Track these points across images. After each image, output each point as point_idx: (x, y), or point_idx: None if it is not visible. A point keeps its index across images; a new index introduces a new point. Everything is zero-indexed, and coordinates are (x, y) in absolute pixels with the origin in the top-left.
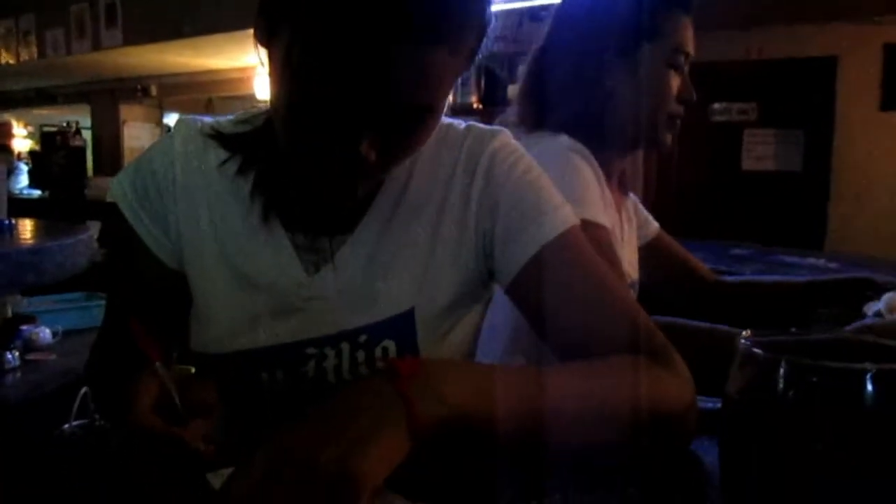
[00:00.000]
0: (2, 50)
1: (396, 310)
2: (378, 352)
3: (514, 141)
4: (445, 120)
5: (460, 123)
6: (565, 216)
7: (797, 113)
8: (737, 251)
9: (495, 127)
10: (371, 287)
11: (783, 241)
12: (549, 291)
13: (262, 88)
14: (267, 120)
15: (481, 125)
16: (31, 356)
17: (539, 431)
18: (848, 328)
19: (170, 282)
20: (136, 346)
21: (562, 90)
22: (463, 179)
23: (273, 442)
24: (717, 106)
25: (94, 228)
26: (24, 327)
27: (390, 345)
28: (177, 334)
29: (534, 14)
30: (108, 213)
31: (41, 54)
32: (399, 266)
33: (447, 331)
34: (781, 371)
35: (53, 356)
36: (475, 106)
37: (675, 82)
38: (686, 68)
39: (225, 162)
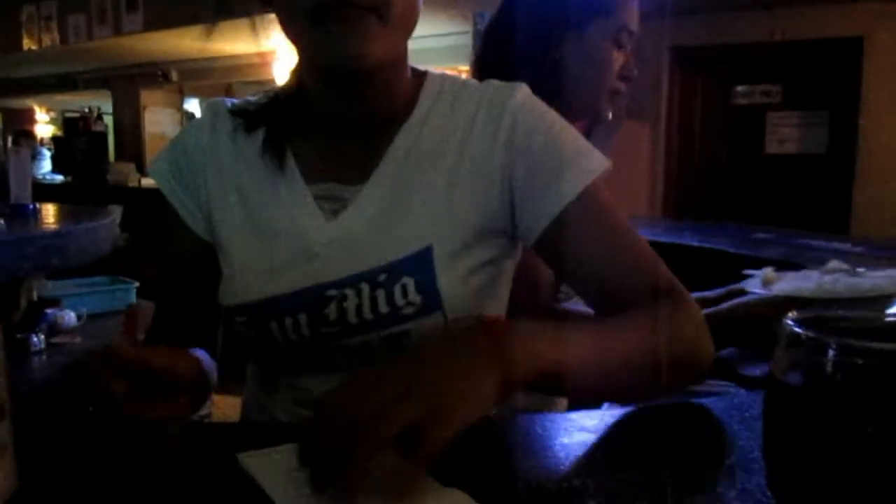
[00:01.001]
0: (24, 36)
1: (414, 248)
2: (397, 290)
3: (534, 95)
4: (461, 77)
5: (477, 82)
6: (594, 162)
7: (822, 94)
8: (760, 235)
9: (514, 84)
10: (388, 228)
11: (807, 225)
12: (578, 242)
13: (281, 73)
14: (280, 90)
15: (499, 81)
16: (55, 339)
17: (598, 380)
18: (722, 306)
19: (200, 253)
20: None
21: (514, 62)
22: (486, 124)
23: (370, 371)
24: (739, 88)
25: (115, 213)
26: (48, 310)
27: (409, 282)
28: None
29: None
30: (137, 198)
31: (63, 40)
32: (415, 207)
33: (468, 273)
34: (829, 353)
35: (78, 339)
36: None
37: (618, 59)
38: (629, 47)
39: (250, 130)
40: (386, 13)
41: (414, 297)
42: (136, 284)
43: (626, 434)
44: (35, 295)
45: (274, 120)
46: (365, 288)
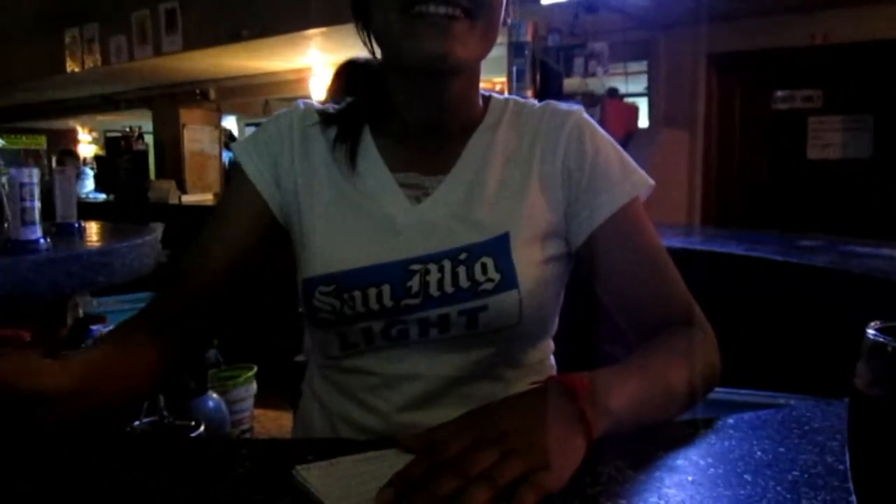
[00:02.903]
0: (67, 58)
1: (492, 234)
2: (478, 267)
3: (588, 116)
4: (522, 99)
5: (537, 102)
6: (639, 180)
7: (865, 98)
8: (805, 242)
9: (571, 104)
10: (468, 215)
11: (853, 231)
12: (614, 255)
13: (317, 89)
14: (362, 95)
15: (557, 102)
16: None
17: (651, 416)
18: None
19: (264, 226)
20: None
21: None
22: (547, 141)
23: (477, 417)
24: (780, 93)
25: (157, 230)
26: (94, 327)
27: (488, 261)
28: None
29: (589, 6)
30: (178, 215)
31: (105, 61)
32: (493, 199)
33: (538, 262)
34: None
35: None
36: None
37: None
38: None
39: (333, 123)
40: (476, 18)
41: (493, 273)
42: None
43: (687, 449)
44: (81, 312)
45: (355, 115)
46: (447, 264)
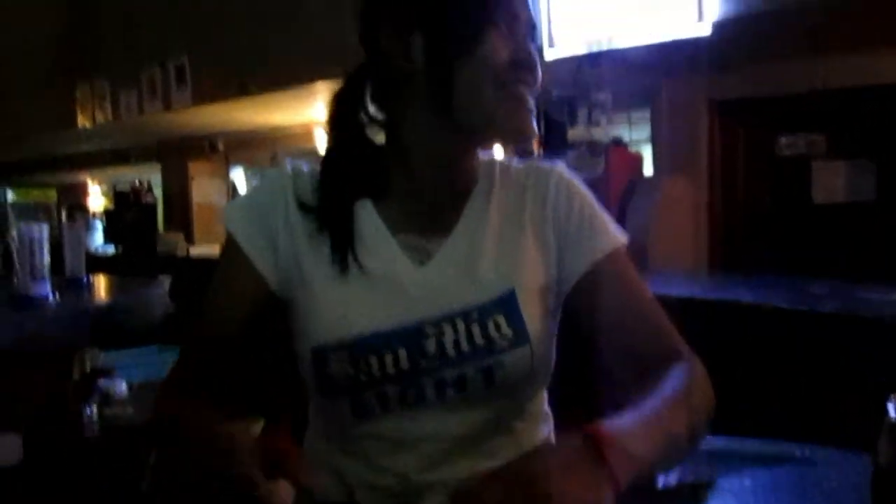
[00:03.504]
0: (79, 113)
1: (499, 291)
2: (491, 324)
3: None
4: (505, 159)
5: (518, 162)
6: (617, 234)
7: (868, 142)
8: (815, 289)
9: (552, 162)
10: (474, 275)
11: (862, 275)
12: (605, 298)
13: (323, 142)
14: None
15: (539, 162)
16: (108, 410)
17: (665, 461)
18: None
19: (263, 300)
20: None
21: None
22: (535, 199)
23: (510, 474)
24: (783, 139)
25: (165, 283)
26: (100, 381)
27: (501, 319)
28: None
29: (592, 59)
30: (185, 268)
31: (115, 116)
32: (495, 257)
33: (544, 314)
34: None
35: (130, 409)
36: (536, 150)
37: None
38: None
39: (336, 185)
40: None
41: (506, 330)
42: None
43: None
44: (88, 366)
45: (345, 179)
46: (461, 324)
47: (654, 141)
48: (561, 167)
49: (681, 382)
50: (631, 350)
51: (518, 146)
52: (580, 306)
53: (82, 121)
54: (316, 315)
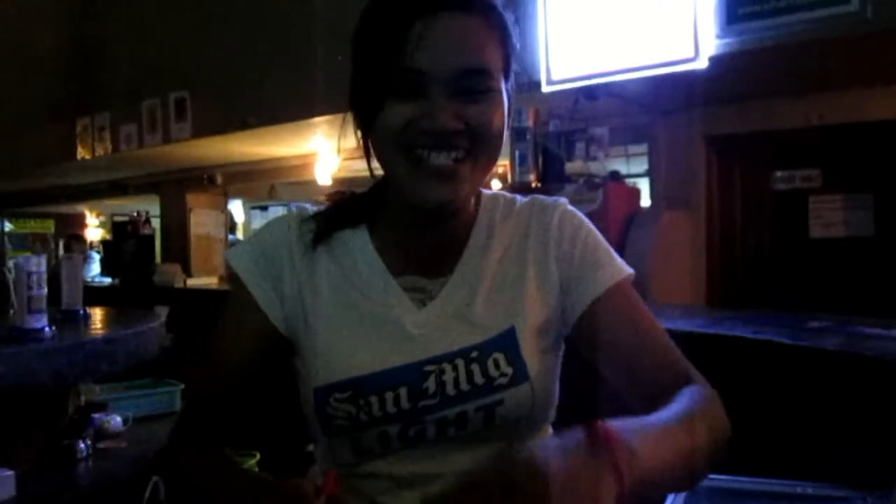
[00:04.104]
0: (79, 146)
1: (499, 329)
2: (490, 363)
3: (572, 208)
4: (510, 195)
5: (523, 197)
6: (621, 266)
7: (864, 177)
8: (814, 324)
9: (557, 198)
10: (474, 314)
11: (858, 310)
12: (611, 328)
13: (322, 174)
14: (359, 194)
15: (543, 196)
16: (101, 444)
17: (689, 472)
18: None
19: (270, 343)
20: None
21: None
22: (538, 234)
23: (507, 470)
24: (779, 174)
25: (162, 314)
26: (95, 415)
27: (500, 357)
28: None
29: (589, 93)
30: (183, 299)
31: (115, 148)
32: (495, 297)
33: (543, 352)
34: None
35: (124, 444)
36: (534, 184)
37: None
38: None
39: (336, 229)
40: (479, 156)
41: (506, 368)
42: (182, 387)
43: None
44: (82, 399)
45: (350, 218)
46: (460, 363)
47: (651, 175)
48: (564, 202)
49: (694, 400)
50: (641, 380)
51: (430, 212)
52: (586, 339)
53: (82, 153)
54: (318, 356)
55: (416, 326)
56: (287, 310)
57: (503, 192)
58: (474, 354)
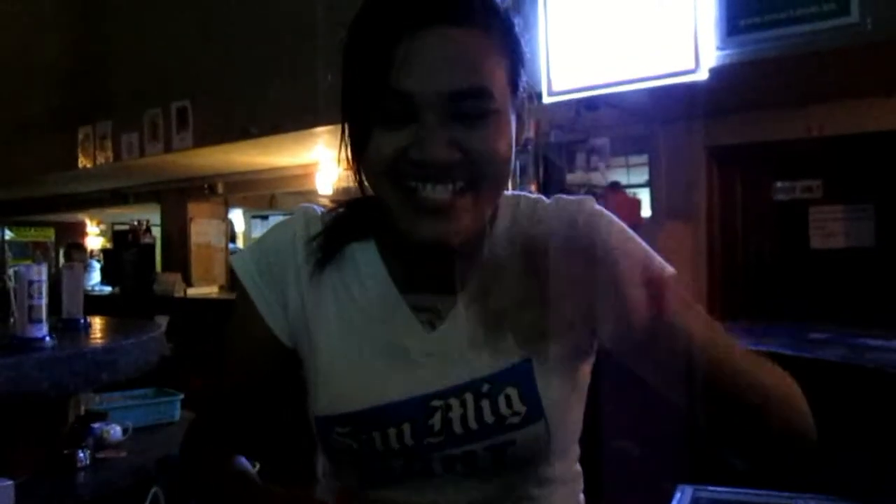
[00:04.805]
0: (80, 154)
1: (514, 360)
2: (502, 399)
3: (600, 207)
4: (534, 195)
5: (548, 198)
6: (664, 268)
7: (865, 188)
8: (815, 335)
9: (581, 196)
10: (488, 339)
11: (859, 320)
12: (672, 339)
13: (323, 184)
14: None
15: (567, 196)
16: (101, 454)
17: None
18: None
19: (276, 354)
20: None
21: None
22: (563, 234)
23: None
24: (779, 184)
25: (162, 324)
26: (95, 425)
27: (512, 392)
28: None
29: (590, 103)
30: (183, 308)
31: (116, 157)
32: (513, 316)
33: (563, 382)
34: None
35: (124, 453)
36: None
37: None
38: None
39: (343, 244)
40: (480, 187)
41: (519, 406)
42: (182, 397)
43: None
44: (82, 409)
45: (357, 230)
46: (469, 398)
47: (652, 186)
48: (590, 202)
49: (782, 374)
50: (710, 391)
51: (428, 249)
52: (635, 358)
53: (83, 162)
54: (318, 387)
55: (423, 354)
56: (291, 321)
57: (525, 193)
58: (485, 388)
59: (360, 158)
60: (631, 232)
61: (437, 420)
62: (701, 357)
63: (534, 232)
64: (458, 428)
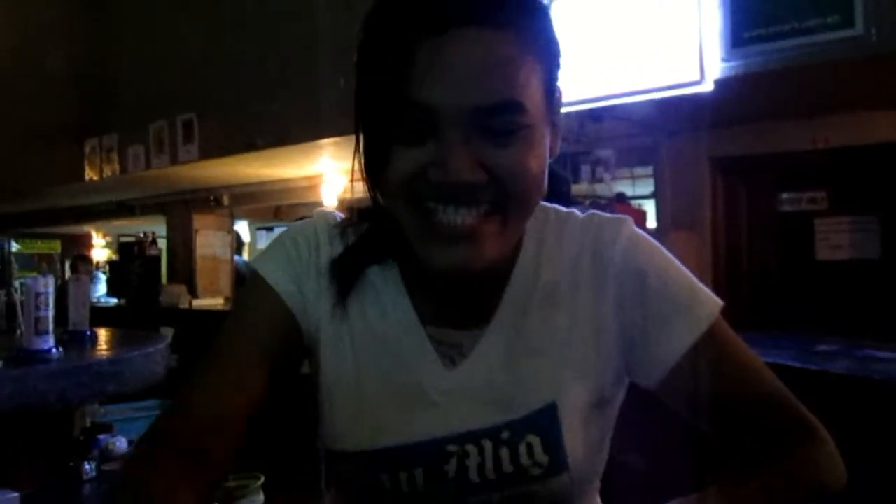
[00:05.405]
0: (87, 167)
1: (538, 404)
2: (523, 448)
3: (639, 229)
4: (564, 209)
5: (579, 212)
6: (710, 304)
7: (870, 199)
8: (823, 347)
9: (619, 216)
10: (511, 381)
11: (865, 332)
12: (702, 385)
13: (328, 195)
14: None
15: (603, 213)
16: (107, 466)
17: None
18: None
19: (288, 334)
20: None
21: None
22: (592, 273)
23: None
24: (785, 196)
25: (168, 335)
26: (100, 436)
27: (535, 441)
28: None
29: (595, 115)
30: (188, 320)
31: (122, 170)
32: (538, 358)
33: (591, 426)
34: None
35: None
36: None
37: None
38: None
39: (364, 267)
40: (508, 209)
41: (541, 457)
42: None
43: None
44: (88, 421)
45: (380, 253)
46: (487, 445)
47: (657, 197)
48: (628, 224)
49: (795, 463)
50: (741, 433)
51: (450, 279)
52: (673, 398)
53: (90, 174)
54: (328, 416)
55: (442, 393)
56: (308, 329)
57: (554, 206)
58: (505, 435)
59: (373, 174)
60: (672, 257)
61: (452, 467)
62: (737, 404)
63: (566, 261)
64: (474, 476)
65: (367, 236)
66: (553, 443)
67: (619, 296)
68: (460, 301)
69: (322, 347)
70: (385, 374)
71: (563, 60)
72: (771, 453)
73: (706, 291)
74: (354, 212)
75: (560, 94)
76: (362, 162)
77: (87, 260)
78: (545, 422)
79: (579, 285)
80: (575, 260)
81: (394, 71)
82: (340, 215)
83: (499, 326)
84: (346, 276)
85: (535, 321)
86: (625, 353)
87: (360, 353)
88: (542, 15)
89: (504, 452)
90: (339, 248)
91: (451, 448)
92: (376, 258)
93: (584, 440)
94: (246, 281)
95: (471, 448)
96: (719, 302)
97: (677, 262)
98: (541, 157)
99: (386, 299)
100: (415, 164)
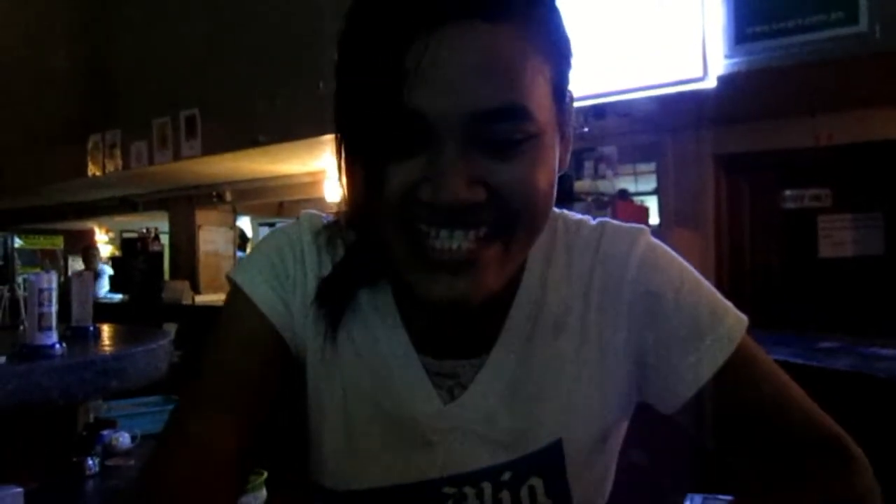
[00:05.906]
0: (89, 163)
1: (542, 443)
2: (524, 492)
3: (657, 241)
4: (575, 216)
5: (590, 220)
6: (735, 324)
7: (874, 196)
8: (826, 344)
9: (634, 225)
10: (512, 417)
11: (869, 329)
12: (727, 409)
13: (331, 191)
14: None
15: (616, 222)
16: (110, 461)
17: None
18: None
19: (274, 354)
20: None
21: None
22: (604, 292)
23: None
24: (788, 193)
25: (171, 331)
26: (104, 432)
27: (537, 483)
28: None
29: (598, 111)
30: (190, 316)
31: (125, 166)
32: (542, 391)
33: (596, 463)
34: None
35: (133, 461)
36: None
37: None
38: None
39: (355, 289)
40: (512, 231)
41: (543, 500)
42: None
43: None
44: (91, 416)
45: (363, 276)
46: (487, 488)
47: (660, 193)
48: (644, 235)
49: (823, 486)
50: (773, 460)
51: (444, 312)
52: (692, 424)
53: (93, 170)
54: (312, 459)
55: (437, 431)
56: (297, 332)
57: (564, 213)
58: (506, 477)
59: (356, 193)
60: (692, 270)
61: None
62: (769, 430)
63: (575, 282)
64: None
65: (355, 250)
66: (557, 483)
67: (632, 319)
68: (458, 327)
69: (308, 375)
70: (373, 407)
71: (574, 60)
72: (805, 478)
73: (730, 309)
74: (342, 215)
75: (571, 97)
76: (342, 179)
77: (97, 252)
78: (549, 461)
79: (589, 309)
80: (585, 281)
81: (380, 72)
82: (328, 217)
83: (500, 355)
84: (335, 302)
85: (541, 349)
86: (639, 380)
87: (349, 385)
88: (549, 7)
89: (505, 496)
90: (326, 262)
91: (448, 490)
92: (368, 280)
93: (589, 478)
94: (228, 294)
95: (469, 491)
96: (744, 319)
97: (697, 275)
98: (549, 171)
99: (377, 325)
100: (404, 180)
